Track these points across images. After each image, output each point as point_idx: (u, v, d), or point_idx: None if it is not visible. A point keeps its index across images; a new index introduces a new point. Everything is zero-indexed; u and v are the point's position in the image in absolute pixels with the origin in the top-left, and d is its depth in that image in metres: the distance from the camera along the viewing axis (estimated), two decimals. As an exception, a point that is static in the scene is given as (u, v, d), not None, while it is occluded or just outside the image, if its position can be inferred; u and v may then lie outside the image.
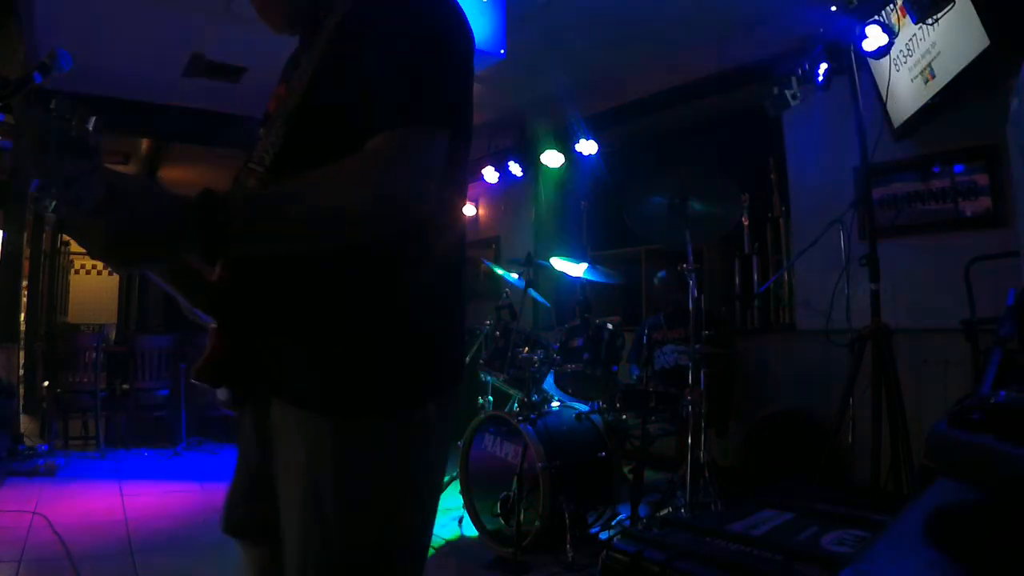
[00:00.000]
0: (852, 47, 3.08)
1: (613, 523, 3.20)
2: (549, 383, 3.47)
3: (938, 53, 2.86)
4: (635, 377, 3.81)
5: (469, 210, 7.20)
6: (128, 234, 0.75)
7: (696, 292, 3.12)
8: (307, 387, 0.97)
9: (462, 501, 3.33)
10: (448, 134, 0.92)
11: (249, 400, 1.04)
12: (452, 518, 3.54)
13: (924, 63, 2.99)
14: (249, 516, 1.12)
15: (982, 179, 3.36)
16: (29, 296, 6.78)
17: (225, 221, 0.79)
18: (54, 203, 0.67)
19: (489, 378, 3.59)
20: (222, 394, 1.01)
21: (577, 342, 3.36)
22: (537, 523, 2.88)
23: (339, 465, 0.94)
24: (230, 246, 0.81)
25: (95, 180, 0.70)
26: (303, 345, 0.98)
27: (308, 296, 0.97)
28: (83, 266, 10.03)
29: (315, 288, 0.97)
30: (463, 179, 1.08)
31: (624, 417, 3.31)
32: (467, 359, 1.21)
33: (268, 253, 0.91)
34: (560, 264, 3.65)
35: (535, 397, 3.27)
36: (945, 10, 2.61)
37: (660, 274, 4.17)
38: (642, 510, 3.03)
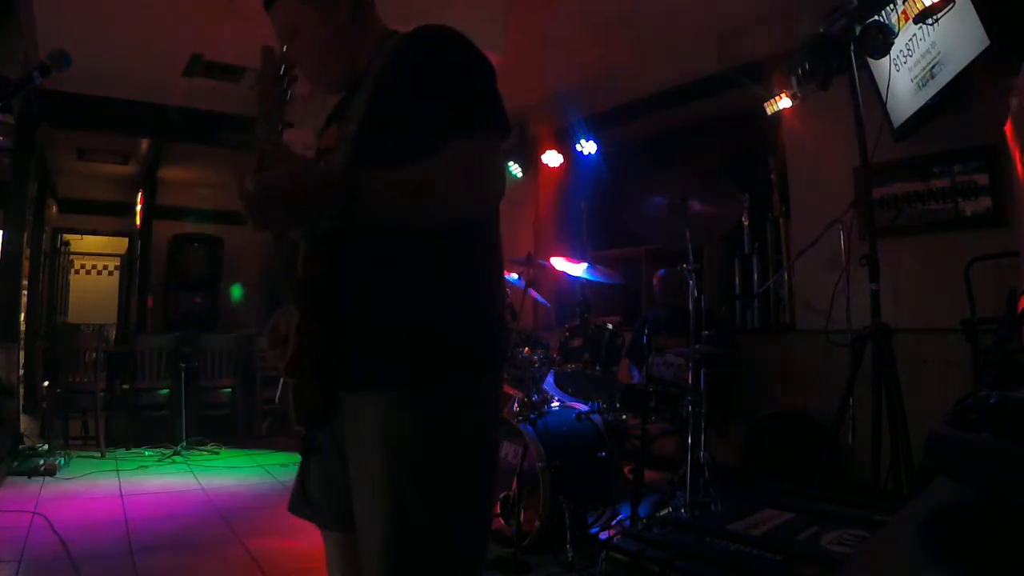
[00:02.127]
0: (852, 47, 3.08)
1: (613, 523, 3.20)
2: (549, 383, 3.47)
3: (938, 53, 2.86)
4: (635, 381, 3.81)
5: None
6: (290, 181, 0.94)
7: (696, 292, 3.11)
8: (376, 371, 1.13)
9: (462, 501, 3.33)
10: (501, 140, 1.14)
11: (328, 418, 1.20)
12: (452, 518, 3.53)
13: (924, 63, 2.99)
14: (324, 504, 1.26)
15: (982, 179, 3.36)
16: (29, 296, 6.79)
17: (355, 185, 0.97)
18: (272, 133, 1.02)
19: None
20: (295, 423, 1.21)
21: (577, 342, 3.36)
22: (537, 523, 2.88)
23: (405, 429, 1.09)
24: (355, 206, 0.97)
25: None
26: (372, 338, 1.14)
27: (368, 300, 1.15)
28: (83, 266, 10.03)
29: (372, 294, 1.15)
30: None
31: (624, 417, 3.31)
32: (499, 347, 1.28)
33: (379, 219, 1.04)
34: (560, 264, 3.65)
35: (535, 397, 3.27)
36: (945, 10, 2.61)
37: (660, 272, 4.15)
38: (642, 510, 3.03)
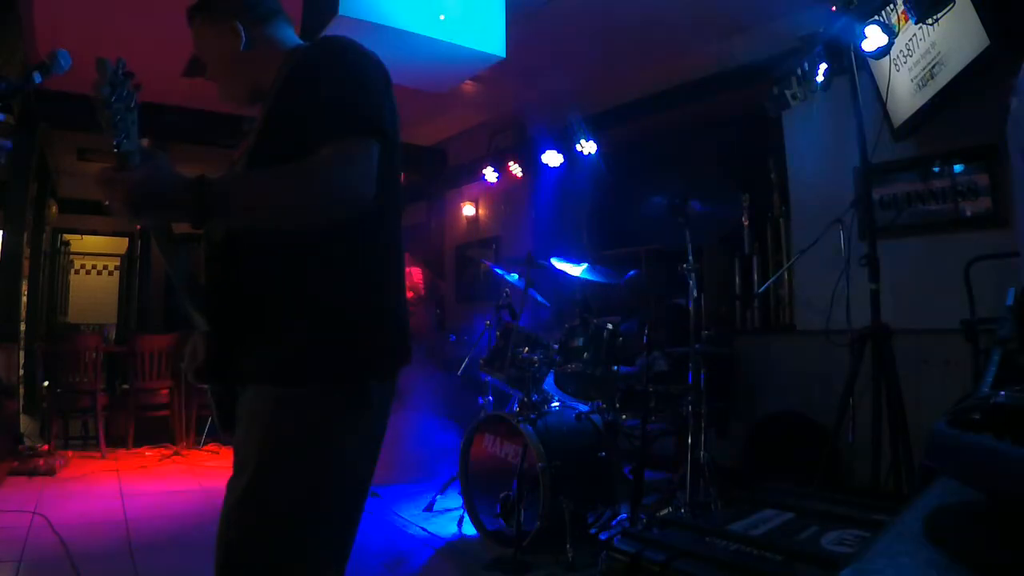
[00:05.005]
0: (852, 47, 3.08)
1: (613, 523, 3.20)
2: (549, 383, 3.47)
3: (938, 53, 2.86)
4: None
5: (469, 210, 7.19)
6: (146, 182, 1.03)
7: (696, 292, 3.12)
8: (264, 370, 1.23)
9: (462, 501, 3.33)
10: (379, 143, 1.17)
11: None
12: (452, 518, 3.54)
13: (924, 63, 2.99)
14: None
15: (982, 179, 3.36)
16: (29, 296, 6.78)
17: (211, 189, 1.05)
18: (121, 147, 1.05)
19: (489, 378, 3.59)
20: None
21: (577, 342, 3.36)
22: (537, 523, 2.88)
23: (274, 421, 1.21)
24: (214, 210, 1.05)
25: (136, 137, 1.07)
26: (260, 339, 1.23)
27: (265, 303, 1.24)
28: (83, 266, 10.03)
29: (270, 296, 1.23)
30: (395, 184, 1.30)
31: (624, 417, 3.31)
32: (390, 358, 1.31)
33: (243, 223, 1.16)
34: (560, 264, 3.65)
35: (535, 397, 3.27)
36: (945, 10, 2.61)
37: (629, 274, 4.02)
38: (642, 510, 3.03)
